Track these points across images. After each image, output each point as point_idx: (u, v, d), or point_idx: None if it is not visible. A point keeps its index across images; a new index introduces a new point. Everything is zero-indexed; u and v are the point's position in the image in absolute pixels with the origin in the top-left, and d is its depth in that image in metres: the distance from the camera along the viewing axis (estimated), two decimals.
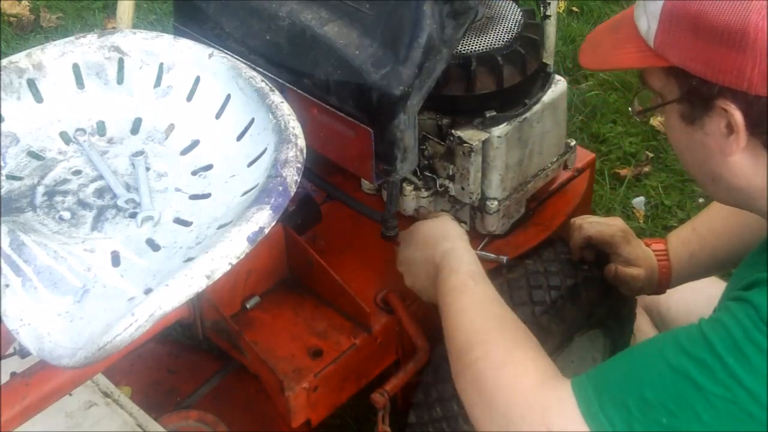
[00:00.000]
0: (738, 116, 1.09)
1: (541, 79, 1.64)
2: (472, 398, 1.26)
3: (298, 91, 1.48)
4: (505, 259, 1.62)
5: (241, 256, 1.11)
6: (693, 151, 1.20)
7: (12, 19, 3.31)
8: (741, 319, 1.07)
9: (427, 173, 1.64)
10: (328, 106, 1.46)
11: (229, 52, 1.46)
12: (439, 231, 1.48)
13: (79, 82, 1.43)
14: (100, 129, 1.41)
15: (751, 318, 1.06)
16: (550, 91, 1.63)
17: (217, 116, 1.39)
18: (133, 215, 1.26)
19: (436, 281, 1.42)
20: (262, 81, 1.37)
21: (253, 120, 1.34)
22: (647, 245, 1.67)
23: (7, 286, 1.11)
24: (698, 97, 1.13)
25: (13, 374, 1.21)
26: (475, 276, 1.38)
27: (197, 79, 1.42)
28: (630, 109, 1.29)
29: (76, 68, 1.42)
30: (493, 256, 1.63)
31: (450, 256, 1.42)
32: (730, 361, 1.06)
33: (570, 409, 1.14)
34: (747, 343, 1.06)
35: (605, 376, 1.16)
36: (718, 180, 1.19)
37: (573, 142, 1.74)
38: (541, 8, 1.63)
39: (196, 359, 1.87)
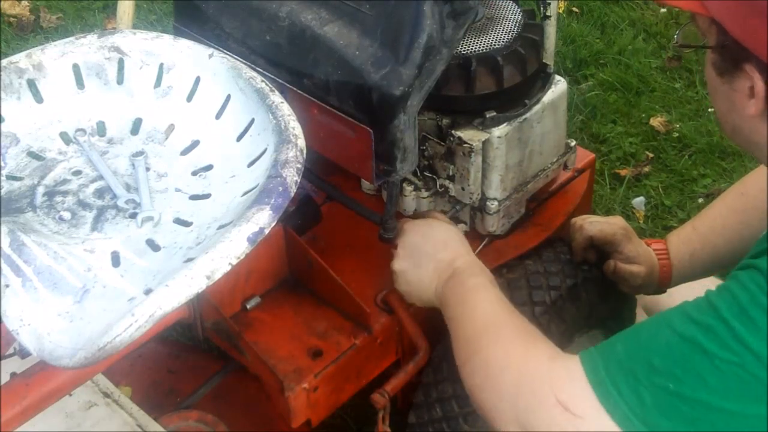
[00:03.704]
0: (760, 86, 1.12)
1: (542, 79, 1.64)
2: (479, 381, 1.27)
3: (298, 91, 1.48)
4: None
5: (242, 257, 1.11)
6: (719, 100, 1.23)
7: (12, 19, 3.31)
8: (746, 284, 1.08)
9: (427, 173, 1.64)
10: (328, 107, 1.46)
11: (229, 53, 1.46)
12: (439, 235, 1.49)
13: (79, 83, 1.43)
14: (100, 129, 1.41)
15: (756, 282, 1.07)
16: (550, 91, 1.63)
17: (217, 116, 1.39)
18: (133, 215, 1.26)
19: (443, 285, 1.43)
20: (262, 81, 1.37)
21: (253, 120, 1.34)
22: (647, 245, 1.68)
23: (7, 286, 1.11)
24: (729, 54, 1.15)
25: (13, 374, 1.21)
26: (494, 282, 1.42)
27: (197, 80, 1.42)
28: (674, 38, 1.32)
29: (76, 68, 1.42)
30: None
31: (470, 264, 1.45)
32: (736, 325, 1.07)
33: (578, 378, 1.16)
34: (753, 307, 1.06)
35: (613, 347, 1.17)
36: (738, 132, 1.22)
37: (573, 143, 1.74)
38: (541, 8, 1.63)
39: (196, 359, 1.87)
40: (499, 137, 1.56)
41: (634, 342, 1.16)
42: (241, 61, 1.43)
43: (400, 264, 1.51)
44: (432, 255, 1.47)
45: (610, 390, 1.13)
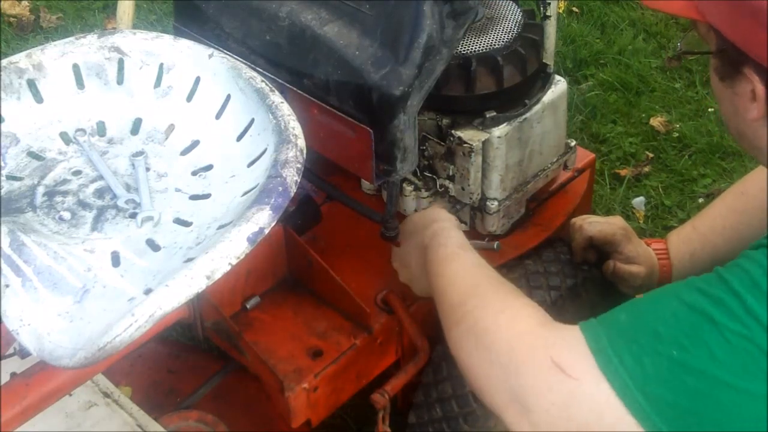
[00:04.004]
0: (760, 89, 1.12)
1: (541, 79, 1.64)
2: (468, 347, 1.23)
3: (298, 91, 1.48)
4: (495, 244, 1.61)
5: (241, 257, 1.11)
6: (724, 105, 1.23)
7: (12, 19, 3.31)
8: (759, 260, 1.07)
9: (427, 173, 1.64)
10: (328, 107, 1.46)
11: (229, 53, 1.46)
12: (427, 217, 1.50)
13: (79, 83, 1.43)
14: (100, 129, 1.41)
15: None
16: (550, 91, 1.63)
17: (217, 116, 1.39)
18: (133, 215, 1.26)
19: (426, 264, 1.42)
20: (262, 81, 1.37)
21: (253, 120, 1.34)
22: (647, 245, 1.68)
23: (7, 286, 1.11)
24: (729, 59, 1.16)
25: (13, 374, 1.21)
26: (464, 246, 1.39)
27: (197, 80, 1.42)
28: (678, 46, 1.32)
29: (76, 68, 1.42)
30: (484, 242, 1.62)
31: (438, 234, 1.43)
32: (747, 298, 1.05)
33: (577, 345, 1.12)
34: (765, 280, 1.05)
35: (616, 317, 1.15)
36: (742, 136, 1.23)
37: (573, 143, 1.74)
38: (541, 8, 1.63)
39: (196, 359, 1.87)
40: (499, 137, 1.56)
41: (639, 311, 1.14)
42: (241, 61, 1.43)
43: (397, 257, 1.52)
44: (417, 240, 1.47)
45: (611, 357, 1.09)
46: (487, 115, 1.56)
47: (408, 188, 1.64)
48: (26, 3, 3.36)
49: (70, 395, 1.42)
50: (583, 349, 1.12)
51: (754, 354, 1.05)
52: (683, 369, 1.07)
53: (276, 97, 1.34)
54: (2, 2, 3.31)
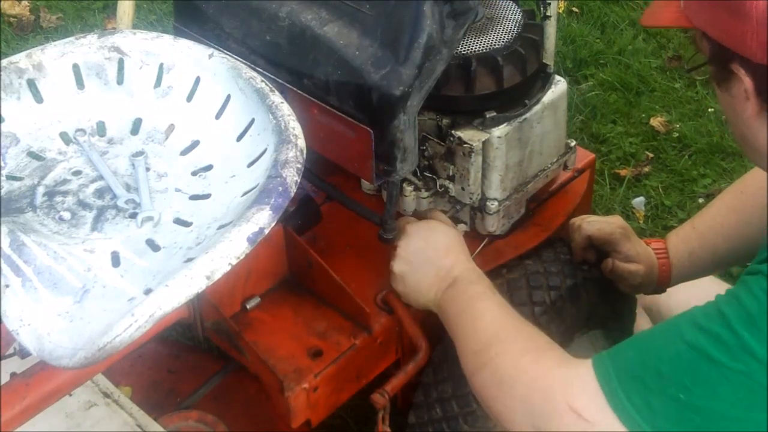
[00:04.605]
0: (747, 82, 1.13)
1: (541, 79, 1.64)
2: (491, 393, 1.28)
3: (298, 91, 1.48)
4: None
5: (241, 257, 1.11)
6: (727, 111, 1.24)
7: (12, 19, 3.31)
8: (755, 292, 1.08)
9: (427, 174, 1.64)
10: (328, 107, 1.46)
11: (229, 53, 1.46)
12: (441, 241, 1.49)
13: (79, 83, 1.43)
14: (100, 129, 1.41)
15: (765, 290, 1.07)
16: (550, 91, 1.63)
17: (217, 116, 1.39)
18: (133, 215, 1.26)
19: (442, 292, 1.44)
20: (262, 81, 1.37)
21: (253, 120, 1.34)
22: (647, 244, 1.67)
23: (7, 286, 1.11)
24: (719, 60, 1.16)
25: (13, 374, 1.21)
26: (493, 289, 1.43)
27: (197, 80, 1.42)
28: (685, 65, 1.33)
29: (76, 68, 1.43)
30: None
31: (469, 271, 1.45)
32: (744, 335, 1.07)
33: (590, 385, 1.17)
34: (761, 316, 1.06)
35: (624, 353, 1.18)
36: (744, 141, 1.23)
37: (573, 143, 1.74)
38: (541, 9, 1.63)
39: (196, 359, 1.87)
40: (499, 137, 1.56)
41: (645, 349, 1.17)
42: (241, 61, 1.43)
43: (399, 266, 1.51)
44: (433, 261, 1.47)
45: (621, 397, 1.14)
46: (487, 115, 1.56)
47: (408, 188, 1.64)
48: (26, 3, 3.36)
49: (70, 395, 1.42)
50: (595, 390, 1.16)
51: (755, 390, 1.07)
52: (689, 408, 1.10)
53: (276, 97, 1.34)
54: (2, 2, 3.31)
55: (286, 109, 1.31)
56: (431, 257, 1.48)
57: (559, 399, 1.19)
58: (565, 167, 1.75)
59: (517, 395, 1.24)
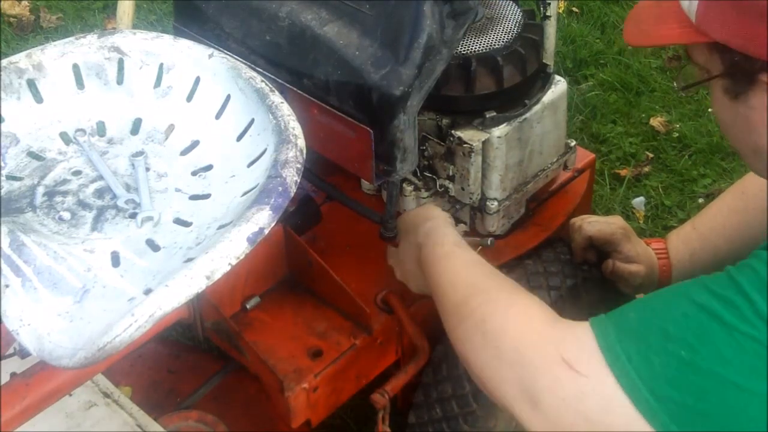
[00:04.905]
0: None
1: (541, 79, 1.64)
2: (474, 344, 1.23)
3: (298, 91, 1.48)
4: (489, 241, 1.60)
5: (241, 257, 1.11)
6: (737, 125, 1.20)
7: (12, 19, 3.31)
8: None
9: (427, 174, 1.64)
10: (328, 107, 1.46)
11: (229, 53, 1.46)
12: (420, 215, 1.49)
13: (79, 83, 1.43)
14: (100, 129, 1.41)
15: None
16: (550, 91, 1.63)
17: (217, 116, 1.39)
18: (133, 215, 1.26)
19: (422, 262, 1.41)
20: (262, 81, 1.37)
21: (253, 120, 1.34)
22: (647, 244, 1.67)
23: (7, 286, 1.11)
24: (741, 72, 1.13)
25: (13, 374, 1.21)
26: (461, 245, 1.39)
27: (197, 80, 1.42)
28: (674, 84, 1.30)
29: (76, 68, 1.42)
30: (477, 239, 1.61)
31: (432, 232, 1.42)
32: (757, 300, 1.05)
33: (586, 341, 1.13)
34: None
35: (625, 314, 1.15)
36: (760, 152, 1.19)
37: (573, 143, 1.74)
38: (541, 9, 1.63)
39: (196, 359, 1.87)
40: (499, 137, 1.56)
41: (649, 310, 1.14)
42: (241, 61, 1.43)
43: (392, 255, 1.52)
44: (411, 232, 1.47)
45: (620, 355, 1.10)
46: (487, 115, 1.56)
47: (408, 188, 1.64)
48: (26, 3, 3.36)
49: (70, 395, 1.42)
50: (592, 345, 1.12)
51: (763, 355, 1.05)
52: (691, 369, 1.07)
53: (276, 97, 1.34)
54: (2, 2, 3.31)
55: (286, 109, 1.31)
56: (408, 234, 1.48)
57: (551, 350, 1.14)
58: (565, 167, 1.76)
59: (505, 348, 1.19)
